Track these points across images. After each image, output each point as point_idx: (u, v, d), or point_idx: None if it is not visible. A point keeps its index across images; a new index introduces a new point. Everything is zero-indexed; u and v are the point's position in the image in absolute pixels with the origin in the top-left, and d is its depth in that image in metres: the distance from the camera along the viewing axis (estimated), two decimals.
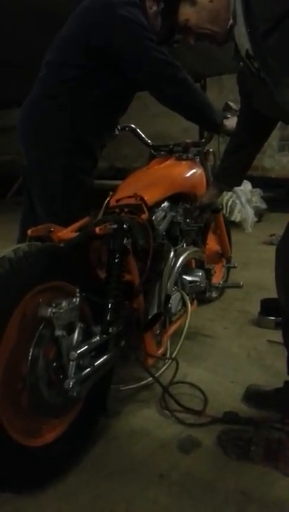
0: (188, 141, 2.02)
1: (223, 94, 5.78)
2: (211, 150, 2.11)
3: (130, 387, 1.50)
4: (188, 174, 1.89)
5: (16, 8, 4.19)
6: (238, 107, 1.58)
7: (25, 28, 4.63)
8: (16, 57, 5.61)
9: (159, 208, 1.68)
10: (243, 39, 1.09)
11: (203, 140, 2.05)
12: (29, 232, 1.27)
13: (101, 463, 1.22)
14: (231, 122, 1.69)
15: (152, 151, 2.09)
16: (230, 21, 1.12)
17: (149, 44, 1.56)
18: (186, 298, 1.72)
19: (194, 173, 1.92)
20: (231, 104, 1.80)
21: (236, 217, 4.56)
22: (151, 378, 1.48)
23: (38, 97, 1.65)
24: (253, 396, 1.48)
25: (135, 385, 1.52)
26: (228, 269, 2.50)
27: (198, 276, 1.87)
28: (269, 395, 1.45)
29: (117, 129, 1.91)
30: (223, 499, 1.09)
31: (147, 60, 1.57)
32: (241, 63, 1.18)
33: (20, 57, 5.49)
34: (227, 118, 1.74)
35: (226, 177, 1.65)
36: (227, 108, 1.77)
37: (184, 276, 1.79)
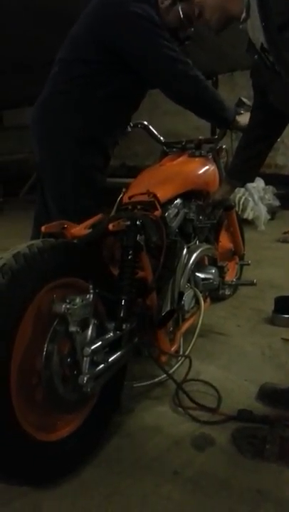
0: (201, 137, 2.01)
1: (236, 92, 5.74)
2: (223, 147, 2.10)
3: (143, 384, 1.50)
4: (201, 171, 1.88)
5: (27, 10, 4.23)
6: (252, 103, 1.57)
7: (36, 28, 4.67)
8: (28, 58, 5.66)
9: (172, 205, 1.68)
10: (257, 32, 1.08)
11: (216, 137, 2.03)
12: (42, 228, 1.28)
13: (115, 459, 1.22)
14: (244, 118, 1.67)
15: (165, 148, 2.08)
16: (243, 14, 1.11)
17: (161, 41, 1.56)
18: (200, 295, 1.71)
19: (207, 170, 1.91)
20: (245, 99, 1.78)
21: (249, 214, 4.53)
22: (164, 375, 1.48)
23: (50, 94, 1.66)
24: (268, 394, 1.46)
25: (148, 382, 1.52)
26: (242, 266, 2.48)
27: (211, 273, 1.86)
28: (283, 394, 1.43)
29: (130, 126, 1.91)
30: (238, 497, 1.08)
31: (159, 58, 1.57)
32: (256, 56, 1.17)
33: (31, 57, 5.54)
34: (240, 114, 1.72)
35: (238, 173, 1.64)
36: (240, 104, 1.75)
37: (197, 274, 1.78)
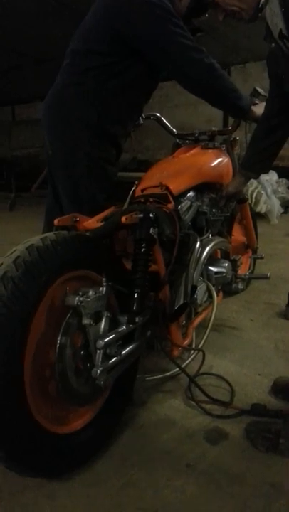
0: (214, 129, 1.98)
1: (249, 83, 5.66)
2: (237, 138, 2.06)
3: (156, 377, 1.50)
4: (214, 163, 1.85)
5: (40, 4, 4.22)
6: (267, 92, 1.53)
7: (49, 22, 4.67)
8: (40, 52, 5.66)
9: (185, 198, 1.66)
10: (276, 18, 1.05)
11: (230, 128, 1.99)
12: (55, 221, 1.28)
13: (128, 451, 1.22)
14: (260, 108, 1.64)
15: (177, 140, 2.06)
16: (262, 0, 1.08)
17: (175, 29, 1.53)
18: (212, 289, 1.69)
19: (220, 162, 1.88)
20: (259, 89, 1.74)
21: (262, 208, 4.48)
22: (177, 369, 1.47)
23: (61, 86, 1.65)
24: (281, 389, 1.45)
25: (161, 376, 1.51)
26: (255, 260, 2.45)
27: (224, 267, 1.84)
28: None
29: (142, 117, 1.89)
30: (252, 491, 1.07)
31: (173, 46, 1.54)
32: (273, 44, 1.14)
33: (43, 51, 5.54)
34: (255, 104, 1.69)
35: (252, 164, 1.61)
36: (255, 93, 1.72)
37: (210, 267, 1.77)
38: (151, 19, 1.52)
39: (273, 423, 1.27)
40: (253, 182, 4.55)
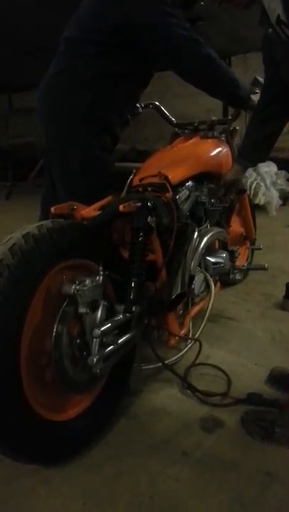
0: (214, 118, 1.96)
1: (249, 73, 5.59)
2: (237, 128, 2.04)
3: (153, 366, 1.50)
4: (213, 153, 1.83)
5: None
6: None
7: (45, 11, 4.59)
8: (37, 40, 5.57)
9: (184, 188, 1.64)
10: (274, 3, 1.03)
11: (230, 117, 1.97)
12: (52, 209, 1.26)
13: (124, 440, 1.23)
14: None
15: (176, 130, 2.04)
16: None
17: (171, 19, 1.52)
18: (210, 279, 1.69)
19: (220, 151, 1.86)
20: (260, 79, 1.71)
21: (260, 200, 4.47)
22: (174, 358, 1.48)
23: (56, 73, 1.63)
24: (277, 378, 1.46)
25: (158, 365, 1.51)
26: (253, 251, 2.45)
27: (222, 257, 1.83)
28: None
29: (141, 106, 1.87)
30: (247, 479, 1.08)
31: (169, 36, 1.53)
32: (270, 30, 1.12)
33: (41, 39, 5.45)
34: (255, 93, 1.67)
35: (249, 153, 1.59)
36: (256, 83, 1.70)
37: (208, 258, 1.76)
38: (146, 9, 1.50)
39: (269, 412, 1.27)
40: (252, 174, 4.53)
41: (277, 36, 1.10)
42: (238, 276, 2.32)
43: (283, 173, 4.97)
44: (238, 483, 1.07)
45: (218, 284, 1.93)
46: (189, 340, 1.60)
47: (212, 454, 1.17)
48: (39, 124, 1.71)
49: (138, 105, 1.87)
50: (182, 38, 1.53)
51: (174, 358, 1.50)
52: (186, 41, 1.54)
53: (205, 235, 1.68)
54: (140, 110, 1.89)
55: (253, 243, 2.41)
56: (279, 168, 4.90)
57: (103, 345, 1.14)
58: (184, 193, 1.63)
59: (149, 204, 1.31)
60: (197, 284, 1.63)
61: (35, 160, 6.33)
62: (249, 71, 5.96)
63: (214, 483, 1.07)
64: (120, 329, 1.22)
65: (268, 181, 4.50)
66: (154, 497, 1.03)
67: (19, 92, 8.86)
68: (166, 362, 1.50)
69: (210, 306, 1.62)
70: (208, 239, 1.68)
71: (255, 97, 1.67)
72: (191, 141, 1.88)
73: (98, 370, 1.11)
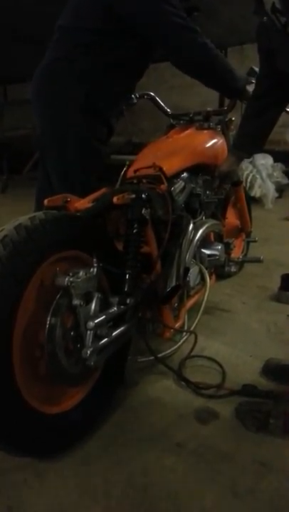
0: (209, 109, 1.94)
1: (246, 64, 5.56)
2: (233, 119, 2.03)
3: (148, 359, 1.50)
4: (209, 144, 1.82)
5: None
6: None
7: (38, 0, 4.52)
8: (33, 30, 5.49)
9: (178, 179, 1.63)
10: None
11: (225, 108, 1.96)
12: (45, 201, 1.25)
13: (118, 431, 1.23)
14: None
15: (172, 121, 2.02)
16: None
17: (169, 8, 1.50)
18: (205, 271, 1.68)
19: (215, 143, 1.85)
20: (256, 69, 1.70)
21: (256, 192, 4.46)
22: (169, 350, 1.48)
23: (51, 61, 1.61)
24: (272, 370, 1.46)
25: (153, 357, 1.51)
26: (248, 244, 2.44)
27: (217, 249, 1.82)
28: (288, 369, 1.42)
29: (136, 96, 1.85)
30: (241, 469, 1.08)
31: (166, 25, 1.51)
32: (265, 18, 1.10)
33: (36, 29, 5.38)
34: (251, 83, 1.66)
35: (244, 144, 1.58)
36: (252, 73, 1.68)
37: (203, 250, 1.75)
38: None
39: (264, 403, 1.28)
40: (248, 166, 4.51)
41: (273, 24, 1.09)
42: (233, 269, 2.32)
43: (279, 165, 4.95)
44: (232, 474, 1.07)
45: (214, 276, 1.92)
46: (184, 333, 1.59)
47: (207, 445, 1.17)
48: (34, 114, 1.68)
49: (133, 96, 1.85)
50: (179, 27, 1.51)
51: (169, 351, 1.50)
52: (183, 30, 1.52)
53: (200, 227, 1.67)
54: (135, 101, 1.87)
55: (248, 235, 2.40)
56: (275, 161, 4.88)
57: (97, 337, 1.13)
58: (178, 185, 1.62)
59: (143, 196, 1.30)
60: (192, 276, 1.62)
61: (31, 153, 6.27)
62: (245, 62, 5.89)
63: (209, 474, 1.07)
64: (115, 321, 1.22)
65: (264, 174, 4.48)
66: (148, 488, 1.03)
67: (14, 84, 8.76)
68: (162, 354, 1.50)
69: (205, 298, 1.61)
70: (204, 231, 1.68)
71: (251, 88, 1.65)
72: (186, 132, 1.86)
73: (92, 363, 1.10)
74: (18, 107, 7.26)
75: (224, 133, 1.96)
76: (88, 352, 1.08)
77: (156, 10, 1.50)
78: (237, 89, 1.68)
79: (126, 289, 1.25)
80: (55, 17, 1.68)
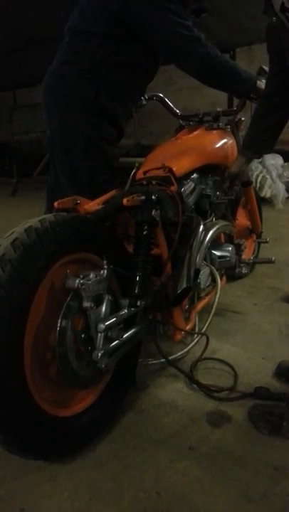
0: (218, 109, 1.93)
1: (254, 65, 5.53)
2: (242, 119, 2.01)
3: (159, 361, 1.49)
4: (218, 144, 1.81)
5: None
6: None
7: (47, 2, 4.55)
8: (42, 34, 5.54)
9: (188, 180, 1.62)
10: None
11: (235, 108, 1.94)
12: (55, 204, 1.25)
13: (130, 434, 1.22)
14: None
15: (181, 121, 2.01)
16: None
17: (171, 17, 1.50)
18: (216, 273, 1.67)
19: (225, 143, 1.84)
20: (266, 68, 1.68)
21: (266, 192, 4.42)
22: (180, 353, 1.46)
23: (61, 64, 1.62)
24: (285, 372, 1.44)
25: (164, 360, 1.50)
26: (259, 244, 2.42)
27: (227, 251, 1.81)
28: None
29: (145, 98, 1.85)
30: (254, 474, 1.07)
31: (168, 35, 1.53)
32: (274, 18, 1.09)
33: (46, 34, 5.42)
34: (261, 83, 1.64)
35: (254, 144, 1.57)
36: (262, 72, 1.66)
37: (213, 251, 1.74)
38: (147, 6, 1.49)
39: (277, 406, 1.26)
40: (258, 166, 4.48)
41: (282, 24, 1.08)
42: (244, 270, 2.29)
43: None
44: (245, 478, 1.05)
45: (224, 277, 1.91)
46: (196, 335, 1.58)
47: (219, 448, 1.15)
48: (44, 116, 1.69)
49: (142, 97, 1.85)
50: (181, 38, 1.52)
51: (180, 353, 1.49)
52: (184, 41, 1.53)
53: (210, 229, 1.66)
54: (144, 102, 1.87)
55: (259, 236, 2.38)
56: (285, 161, 4.84)
57: (108, 339, 1.13)
58: (188, 186, 1.61)
59: (153, 197, 1.29)
60: (203, 278, 1.61)
61: (41, 156, 6.32)
62: (254, 62, 5.89)
63: (221, 478, 1.06)
64: (125, 324, 1.21)
65: (274, 174, 4.45)
66: (160, 492, 1.02)
67: (23, 88, 8.84)
68: (173, 356, 1.49)
69: (216, 300, 1.60)
70: (214, 232, 1.66)
71: (261, 87, 1.64)
72: (195, 132, 1.85)
73: (103, 365, 1.10)
74: (28, 111, 7.34)
75: (234, 133, 1.95)
76: (99, 354, 1.08)
77: (159, 19, 1.51)
78: (245, 90, 1.67)
79: (136, 291, 1.25)
80: (64, 21, 1.69)
